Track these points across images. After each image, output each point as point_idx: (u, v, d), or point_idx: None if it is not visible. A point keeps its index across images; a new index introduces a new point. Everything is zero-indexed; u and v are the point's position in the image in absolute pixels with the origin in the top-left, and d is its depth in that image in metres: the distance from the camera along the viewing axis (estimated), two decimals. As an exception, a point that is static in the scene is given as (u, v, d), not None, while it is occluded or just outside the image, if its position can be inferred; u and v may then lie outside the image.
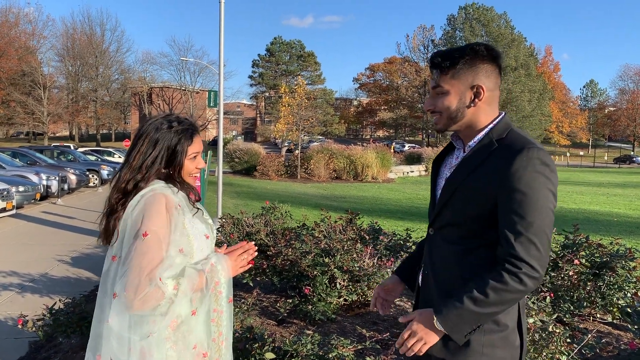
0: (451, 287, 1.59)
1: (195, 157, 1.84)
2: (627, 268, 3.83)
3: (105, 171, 20.86)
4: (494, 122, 1.64)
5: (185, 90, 65.99)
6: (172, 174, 1.78)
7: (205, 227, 1.82)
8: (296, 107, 27.59)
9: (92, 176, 20.28)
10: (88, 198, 16.06)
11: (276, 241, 4.67)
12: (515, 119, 54.11)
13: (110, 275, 1.69)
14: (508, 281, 1.47)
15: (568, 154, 62.70)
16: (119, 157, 31.59)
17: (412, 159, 35.10)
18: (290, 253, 4.22)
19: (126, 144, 42.26)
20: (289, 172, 26.55)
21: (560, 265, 3.88)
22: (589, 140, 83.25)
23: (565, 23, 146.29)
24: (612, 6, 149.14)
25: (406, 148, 53.70)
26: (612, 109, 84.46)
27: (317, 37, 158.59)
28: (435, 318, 1.53)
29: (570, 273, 3.72)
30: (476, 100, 1.61)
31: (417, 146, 53.96)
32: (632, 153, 73.63)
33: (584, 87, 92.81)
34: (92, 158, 24.95)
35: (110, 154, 31.87)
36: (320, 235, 4.68)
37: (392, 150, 36.30)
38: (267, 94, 70.04)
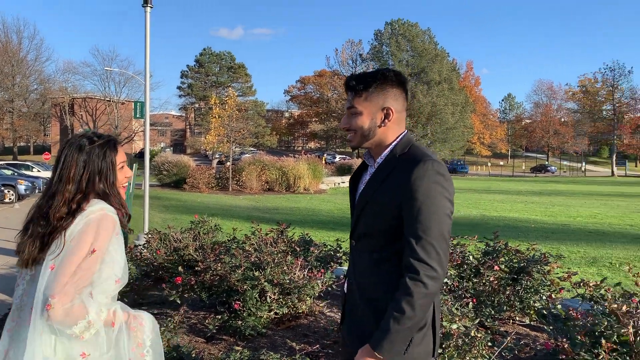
0: (371, 294, 1.73)
1: (122, 166, 1.89)
2: (542, 272, 4.05)
3: (22, 186, 19.59)
4: (397, 139, 1.79)
5: (109, 101, 63.42)
6: (107, 189, 1.81)
7: (124, 263, 1.80)
8: (227, 119, 27.25)
9: (8, 192, 19.00)
10: (2, 215, 15.02)
11: (205, 256, 4.56)
12: (439, 130, 56.11)
13: (42, 285, 1.65)
14: (414, 290, 1.57)
15: (489, 164, 65.98)
16: (38, 171, 29.89)
17: (343, 170, 35.57)
18: (219, 268, 4.13)
19: (46, 157, 39.97)
20: (220, 184, 26.12)
21: (481, 271, 4.04)
22: (508, 150, 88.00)
23: (485, 40, 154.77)
24: (527, 25, 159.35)
25: (337, 159, 54.32)
26: (528, 121, 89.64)
27: (247, 49, 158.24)
28: (375, 352, 1.61)
29: (491, 279, 3.88)
30: (386, 120, 1.76)
31: (347, 157, 54.81)
32: (546, 163, 78.69)
33: (502, 100, 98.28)
34: (8, 172, 23.44)
35: (28, 167, 30.13)
36: (250, 249, 4.62)
37: (323, 162, 36.58)
38: (196, 105, 68.75)
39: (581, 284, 3.46)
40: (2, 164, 29.21)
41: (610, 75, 74.00)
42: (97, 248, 1.65)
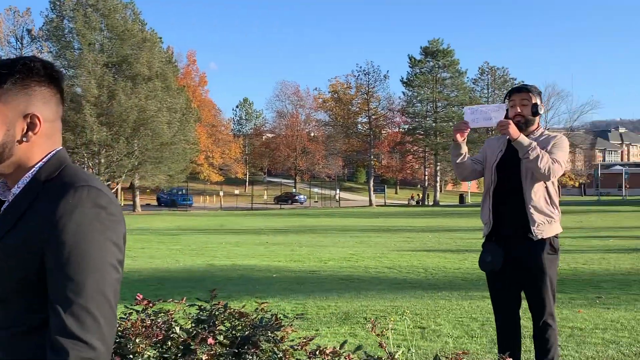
0: None
1: None
2: (274, 340, 4.25)
3: None
4: (44, 159, 1.72)
5: None
6: None
7: None
8: None
9: None
10: None
11: None
12: (151, 147, 55.73)
13: None
14: None
15: (221, 194, 68.68)
16: None
17: None
18: None
19: None
20: None
21: (192, 347, 4.05)
22: (246, 175, 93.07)
23: (212, 23, 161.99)
24: (257, 13, 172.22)
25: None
26: (270, 135, 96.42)
27: None
28: None
29: (204, 358, 3.91)
30: (30, 133, 1.69)
31: None
32: (294, 190, 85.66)
33: (237, 107, 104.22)
34: None
35: None
36: None
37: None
38: None
39: (317, 352, 3.72)
40: None
41: (364, 80, 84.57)
42: None
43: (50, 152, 1.73)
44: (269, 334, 4.20)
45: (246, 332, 4.22)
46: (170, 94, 58.76)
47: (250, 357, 4.05)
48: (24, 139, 1.68)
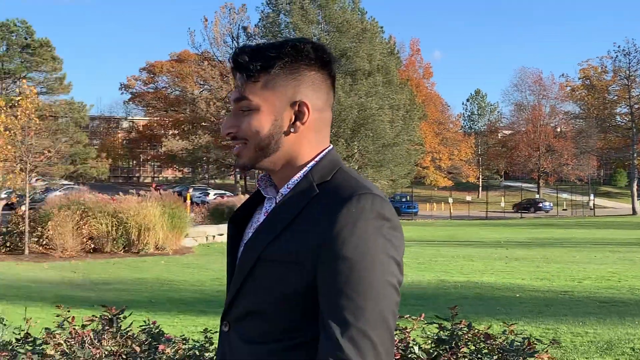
0: None
1: None
2: (527, 367, 4.23)
3: None
4: (316, 159, 1.74)
5: None
6: None
7: None
8: (20, 133, 26.35)
9: None
10: None
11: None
12: (372, 148, 56.20)
13: None
14: None
15: (451, 201, 68.08)
16: None
17: (221, 215, 35.36)
18: (-1, 388, 3.96)
19: None
20: (9, 244, 25.06)
21: (434, 371, 4.16)
22: (479, 179, 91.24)
23: (436, 9, 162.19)
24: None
25: (211, 197, 54.14)
26: (507, 132, 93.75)
27: (53, 18, 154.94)
28: None
29: (448, 382, 4.01)
30: (298, 123, 1.71)
31: (228, 194, 54.77)
32: (537, 196, 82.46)
33: (467, 100, 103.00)
34: None
35: None
36: (55, 353, 4.48)
37: (188, 202, 36.22)
38: (-33, 111, 65.98)
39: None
40: None
41: (624, 62, 78.04)
42: None
43: (322, 151, 1.75)
44: (521, 360, 4.19)
45: (494, 357, 4.25)
46: (392, 89, 59.15)
47: (500, 385, 4.08)
48: (292, 130, 1.71)
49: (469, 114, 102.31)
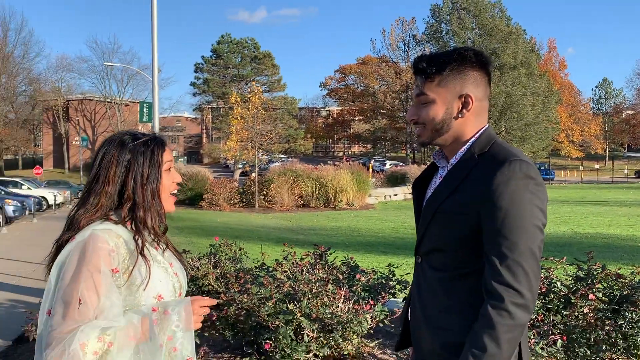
0: (441, 322, 1.75)
1: (169, 168, 1.90)
2: (651, 301, 3.95)
3: (10, 207, 20.34)
4: (476, 135, 1.82)
5: (111, 102, 65.25)
6: (145, 196, 1.80)
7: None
8: (251, 120, 27.61)
9: (-7, 214, 19.75)
10: (-12, 241, 15.62)
11: (228, 286, 4.65)
12: (516, 127, 55.23)
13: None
14: (498, 321, 1.57)
15: (581, 168, 64.35)
16: (28, 188, 30.89)
17: (395, 180, 35.47)
18: (245, 300, 4.20)
19: (37, 171, 41.34)
20: (244, 200, 26.45)
21: (573, 301, 3.98)
22: (605, 150, 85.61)
23: (570, 10, 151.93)
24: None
25: (387, 166, 54.27)
26: (630, 112, 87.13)
27: (273, 35, 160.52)
28: None
29: (585, 310, 3.82)
30: (464, 110, 1.80)
31: (400, 164, 54.61)
32: (656, 164, 75.94)
33: (596, 87, 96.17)
34: (-7, 191, 24.35)
35: (17, 184, 31.13)
36: (283, 277, 4.69)
37: (370, 170, 36.60)
38: (214, 105, 69.90)
39: None
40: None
41: None
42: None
43: (480, 129, 1.83)
44: (647, 295, 3.92)
45: (624, 292, 4.01)
46: (533, 80, 57.43)
47: (630, 315, 3.84)
48: (460, 116, 1.79)
49: (597, 98, 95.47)
